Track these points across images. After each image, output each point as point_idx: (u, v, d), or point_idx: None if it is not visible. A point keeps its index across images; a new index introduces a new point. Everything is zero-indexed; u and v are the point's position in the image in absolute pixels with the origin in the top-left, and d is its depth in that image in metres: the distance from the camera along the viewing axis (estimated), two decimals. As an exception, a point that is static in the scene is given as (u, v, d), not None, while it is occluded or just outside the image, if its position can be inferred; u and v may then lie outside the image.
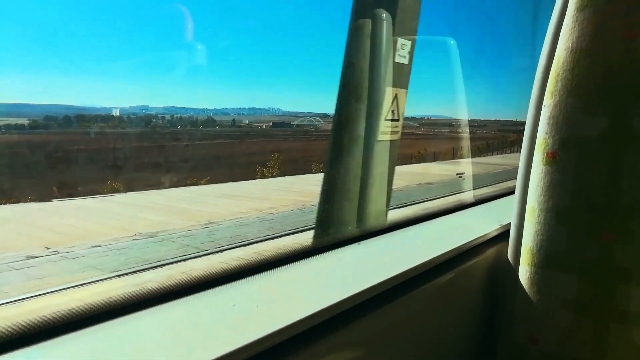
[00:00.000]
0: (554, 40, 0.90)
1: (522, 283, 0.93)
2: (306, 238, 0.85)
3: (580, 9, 0.86)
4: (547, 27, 0.92)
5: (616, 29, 0.84)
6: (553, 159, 0.89)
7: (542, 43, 0.93)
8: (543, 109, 0.91)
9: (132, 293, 0.56)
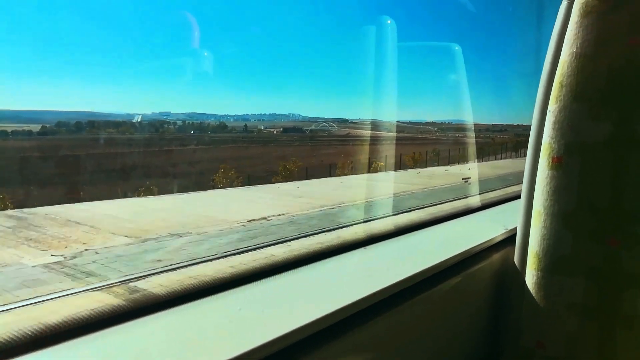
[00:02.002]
0: (558, 45, 0.91)
1: (529, 287, 0.93)
2: (313, 242, 0.86)
3: (584, 15, 0.87)
4: (551, 33, 0.93)
5: (621, 35, 0.84)
6: (558, 163, 0.89)
7: (547, 48, 0.94)
8: (548, 114, 0.91)
9: (139, 298, 0.56)
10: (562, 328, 0.90)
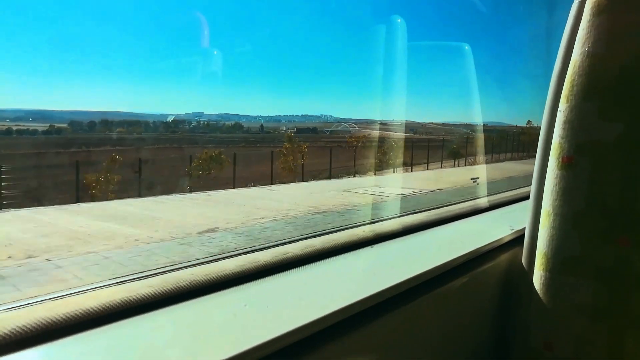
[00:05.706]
0: (569, 44, 0.90)
1: (537, 288, 0.93)
2: (321, 241, 0.86)
3: (597, 14, 0.86)
4: (562, 32, 0.92)
5: (632, 34, 0.83)
6: (569, 163, 0.88)
7: (558, 47, 0.93)
8: (558, 113, 0.90)
9: (147, 293, 0.57)
10: (571, 329, 0.89)
